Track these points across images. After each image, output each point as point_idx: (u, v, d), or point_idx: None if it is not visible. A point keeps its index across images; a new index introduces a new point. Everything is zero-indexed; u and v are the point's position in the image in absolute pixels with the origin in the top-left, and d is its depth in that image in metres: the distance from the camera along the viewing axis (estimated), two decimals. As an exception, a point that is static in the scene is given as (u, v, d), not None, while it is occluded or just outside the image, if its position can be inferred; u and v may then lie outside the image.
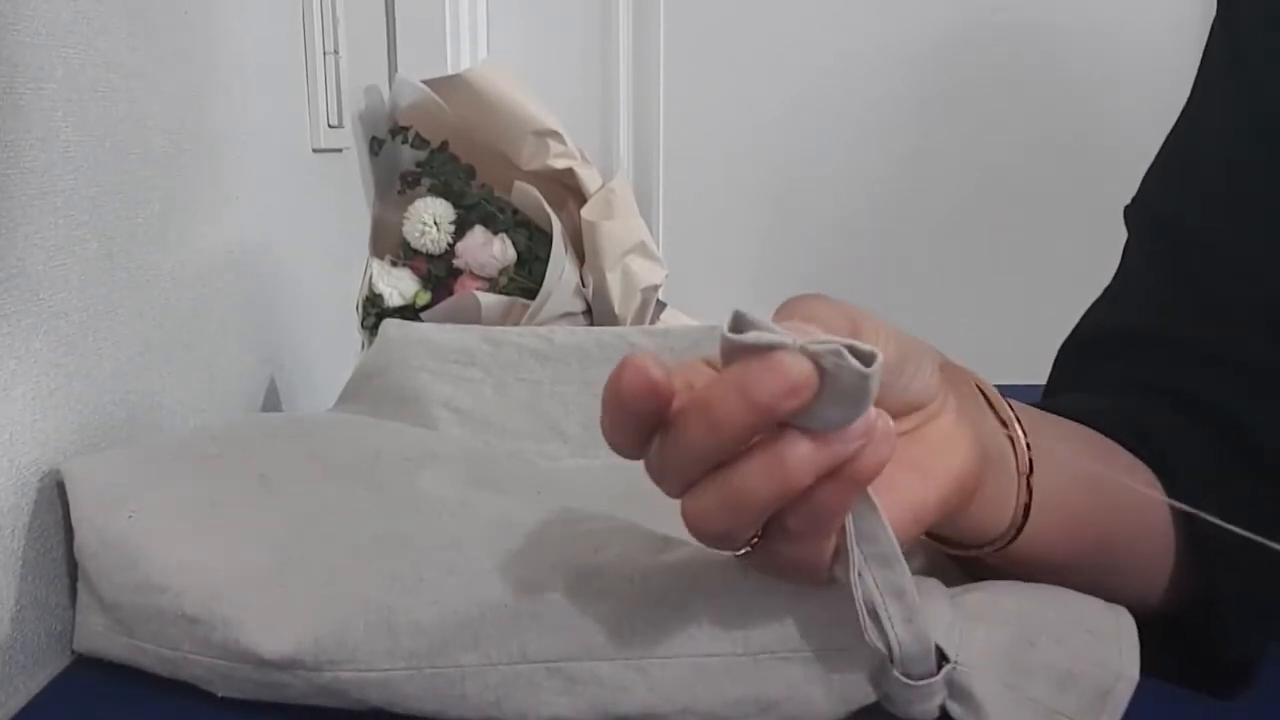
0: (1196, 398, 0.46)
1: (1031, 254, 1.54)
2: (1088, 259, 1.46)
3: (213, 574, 0.44)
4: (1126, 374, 0.49)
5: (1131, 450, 0.45)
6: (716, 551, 0.42)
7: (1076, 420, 0.46)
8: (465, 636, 0.40)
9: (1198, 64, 0.53)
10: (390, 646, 0.40)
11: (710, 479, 0.31)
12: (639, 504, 0.52)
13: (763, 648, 0.39)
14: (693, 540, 0.43)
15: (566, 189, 1.14)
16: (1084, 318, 0.54)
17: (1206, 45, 0.52)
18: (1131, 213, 0.54)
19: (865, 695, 0.38)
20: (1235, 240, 0.47)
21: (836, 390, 0.29)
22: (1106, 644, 0.38)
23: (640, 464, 0.65)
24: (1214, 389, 0.46)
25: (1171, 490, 0.45)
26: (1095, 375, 0.51)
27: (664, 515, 0.48)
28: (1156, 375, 0.48)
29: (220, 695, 0.43)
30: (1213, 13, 0.52)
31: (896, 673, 0.36)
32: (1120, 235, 0.55)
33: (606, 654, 0.40)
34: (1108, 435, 0.46)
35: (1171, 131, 0.53)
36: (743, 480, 0.31)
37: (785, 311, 0.32)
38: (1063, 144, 1.51)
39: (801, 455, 0.30)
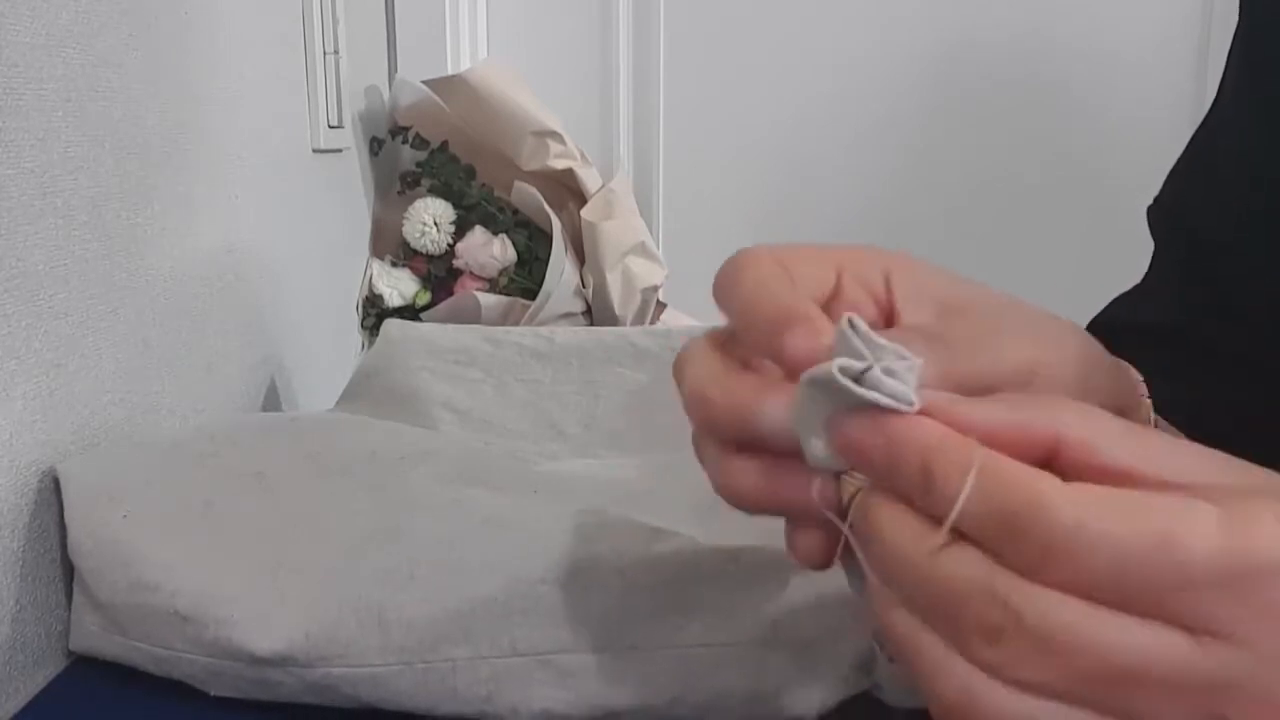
0: (1217, 400, 0.47)
1: (1031, 256, 1.54)
2: (1089, 266, 1.46)
3: (205, 573, 0.44)
4: (1154, 368, 0.50)
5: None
6: (706, 543, 0.42)
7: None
8: (456, 631, 0.40)
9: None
10: (382, 642, 0.41)
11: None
12: (636, 506, 0.52)
13: (752, 638, 0.39)
14: (683, 532, 0.43)
15: (566, 189, 1.14)
16: (1112, 305, 0.54)
17: (1229, 53, 0.52)
18: (1153, 213, 0.54)
19: (855, 683, 0.38)
20: (1252, 246, 0.48)
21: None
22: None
23: (637, 467, 0.65)
24: (1233, 391, 0.46)
25: None
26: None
27: (660, 519, 0.49)
28: (1181, 373, 0.48)
29: (213, 694, 0.43)
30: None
31: (886, 660, 0.36)
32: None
33: (597, 646, 0.40)
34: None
35: (1195, 134, 0.54)
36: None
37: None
38: (1063, 152, 1.51)
39: None
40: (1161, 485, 0.23)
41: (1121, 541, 0.22)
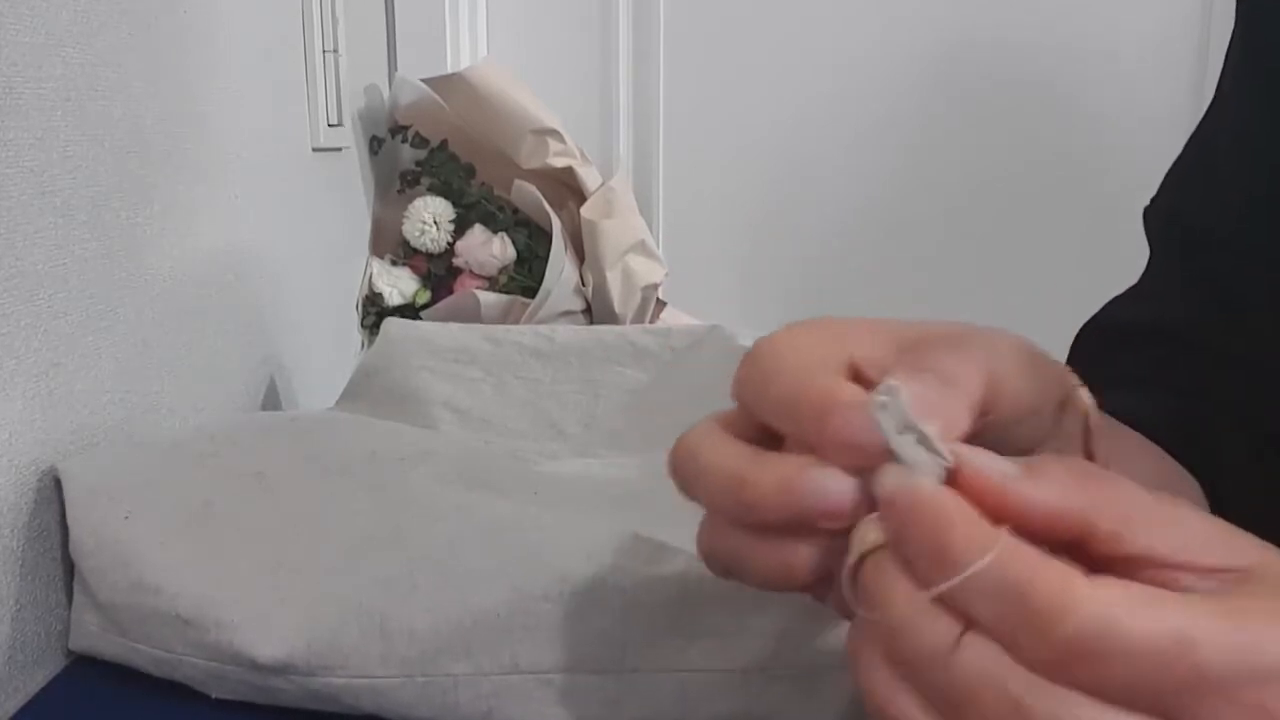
0: (1221, 398, 0.47)
1: (1031, 256, 1.54)
2: (1088, 265, 1.46)
3: (207, 576, 0.44)
4: (1154, 371, 0.49)
5: (1176, 456, 0.45)
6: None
7: (1120, 419, 0.45)
8: (458, 645, 0.40)
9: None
10: (383, 653, 0.40)
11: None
12: (636, 507, 0.52)
13: (753, 664, 0.39)
14: (688, 550, 0.43)
15: (566, 188, 1.14)
16: (1108, 307, 0.54)
17: (1228, 50, 0.52)
18: (1150, 215, 0.54)
19: (854, 715, 0.38)
20: (1253, 234, 0.47)
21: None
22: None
23: (637, 466, 0.65)
24: (1236, 390, 0.46)
25: (1214, 505, 0.44)
26: (1122, 368, 0.51)
27: (660, 520, 0.48)
28: (1183, 374, 0.48)
29: (214, 697, 0.43)
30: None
31: None
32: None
33: (598, 667, 0.40)
34: (1153, 438, 0.45)
35: (1190, 138, 0.54)
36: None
37: (914, 362, 0.28)
38: (1063, 152, 1.51)
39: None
40: (1179, 567, 0.24)
41: (1142, 643, 0.22)
